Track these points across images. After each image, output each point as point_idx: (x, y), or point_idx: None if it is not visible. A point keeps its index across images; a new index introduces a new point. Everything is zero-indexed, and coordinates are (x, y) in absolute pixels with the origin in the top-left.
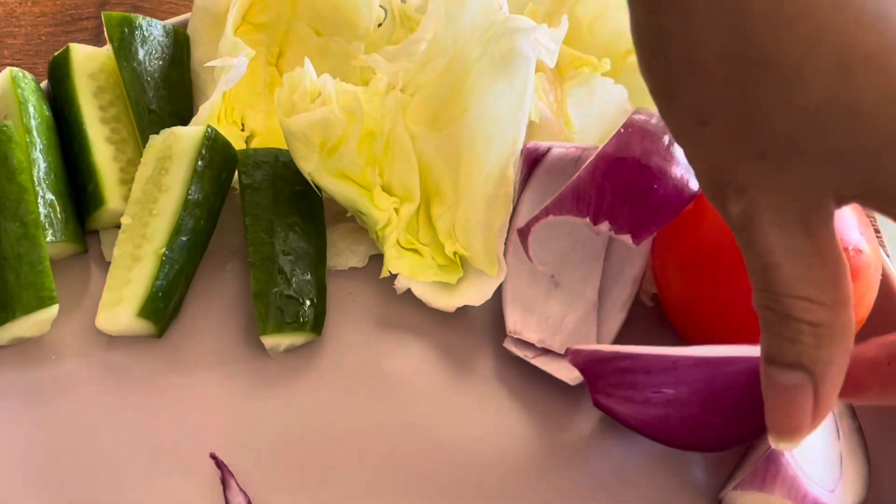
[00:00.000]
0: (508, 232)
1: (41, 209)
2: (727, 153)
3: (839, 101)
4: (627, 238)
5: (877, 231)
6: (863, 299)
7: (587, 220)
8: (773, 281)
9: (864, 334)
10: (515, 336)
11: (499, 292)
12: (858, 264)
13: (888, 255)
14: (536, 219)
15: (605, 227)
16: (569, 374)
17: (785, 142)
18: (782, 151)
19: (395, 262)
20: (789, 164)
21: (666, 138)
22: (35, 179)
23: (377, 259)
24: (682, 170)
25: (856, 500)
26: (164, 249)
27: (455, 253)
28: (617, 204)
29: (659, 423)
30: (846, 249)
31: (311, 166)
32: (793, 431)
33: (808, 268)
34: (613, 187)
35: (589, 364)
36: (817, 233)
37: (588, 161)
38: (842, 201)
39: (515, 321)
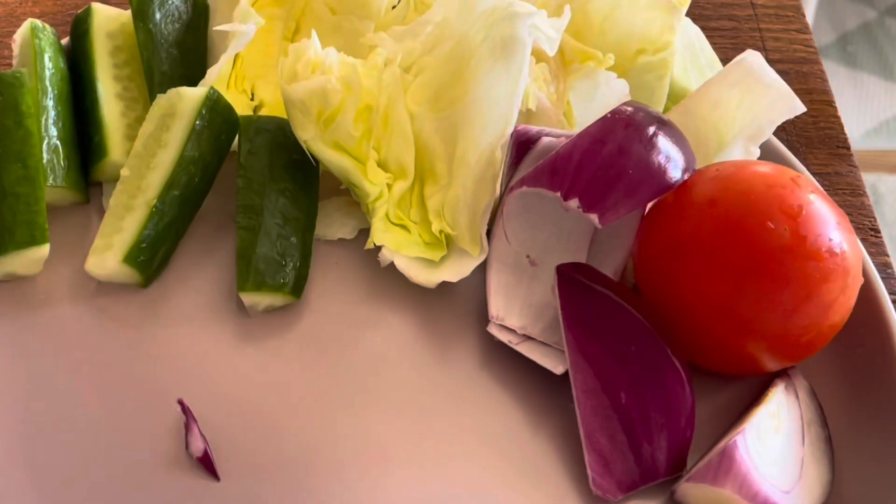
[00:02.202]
0: (494, 214)
1: (45, 154)
2: None
3: None
4: (595, 217)
5: (876, 231)
6: (835, 304)
7: (558, 194)
8: None
9: (844, 339)
10: (498, 322)
11: (483, 278)
12: (831, 266)
13: (888, 255)
14: (511, 189)
15: (574, 203)
16: (553, 362)
17: None
18: None
19: (382, 234)
20: None
21: (650, 129)
22: (42, 126)
23: (366, 233)
24: (662, 160)
25: (813, 503)
26: (155, 201)
27: (441, 231)
28: (590, 183)
29: None
30: (819, 250)
31: (307, 135)
32: None
33: None
34: (590, 167)
35: None
36: None
37: (570, 140)
38: None
39: (499, 307)
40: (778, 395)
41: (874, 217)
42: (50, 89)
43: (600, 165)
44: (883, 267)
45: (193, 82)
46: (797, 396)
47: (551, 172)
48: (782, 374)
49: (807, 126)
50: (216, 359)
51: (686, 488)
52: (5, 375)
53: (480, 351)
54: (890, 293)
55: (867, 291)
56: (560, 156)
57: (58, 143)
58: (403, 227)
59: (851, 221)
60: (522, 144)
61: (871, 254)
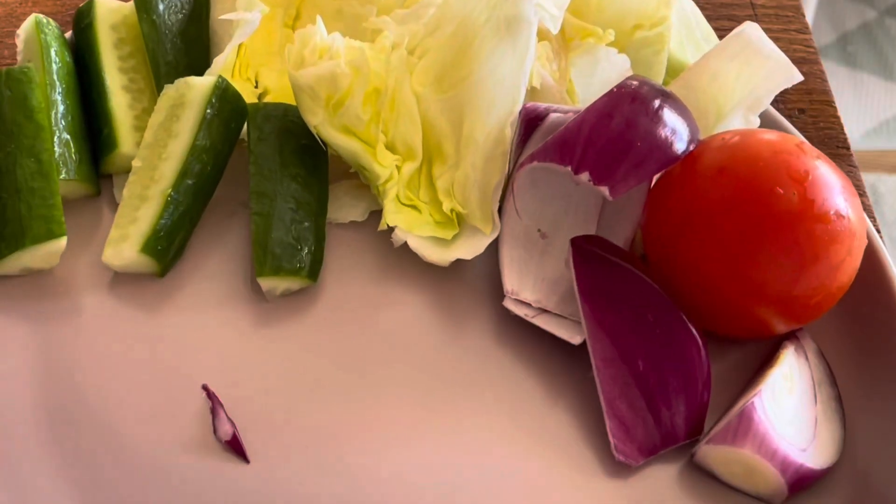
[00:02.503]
0: (504, 191)
1: (57, 148)
2: None
3: None
4: (605, 190)
5: (875, 231)
6: (842, 265)
7: (569, 168)
8: None
9: (849, 301)
10: (513, 297)
11: (496, 254)
12: (838, 229)
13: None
14: (521, 165)
15: (585, 177)
16: (569, 333)
17: None
18: None
19: (394, 215)
20: None
21: (656, 102)
22: (52, 120)
23: (377, 215)
24: (668, 132)
25: (828, 461)
26: (170, 190)
27: (452, 210)
28: (599, 157)
29: None
30: (827, 213)
31: (316, 119)
32: None
33: None
34: (598, 141)
35: None
36: None
37: (577, 115)
38: None
39: (513, 282)
40: (789, 356)
41: (874, 217)
42: (58, 83)
43: (609, 139)
44: None
45: (198, 72)
46: (807, 358)
47: (561, 147)
48: (791, 337)
49: (807, 126)
50: (236, 344)
51: (706, 450)
52: (28, 366)
53: (496, 326)
54: None
55: (869, 254)
56: (569, 130)
57: (68, 136)
58: (414, 207)
59: None
60: (531, 121)
61: None
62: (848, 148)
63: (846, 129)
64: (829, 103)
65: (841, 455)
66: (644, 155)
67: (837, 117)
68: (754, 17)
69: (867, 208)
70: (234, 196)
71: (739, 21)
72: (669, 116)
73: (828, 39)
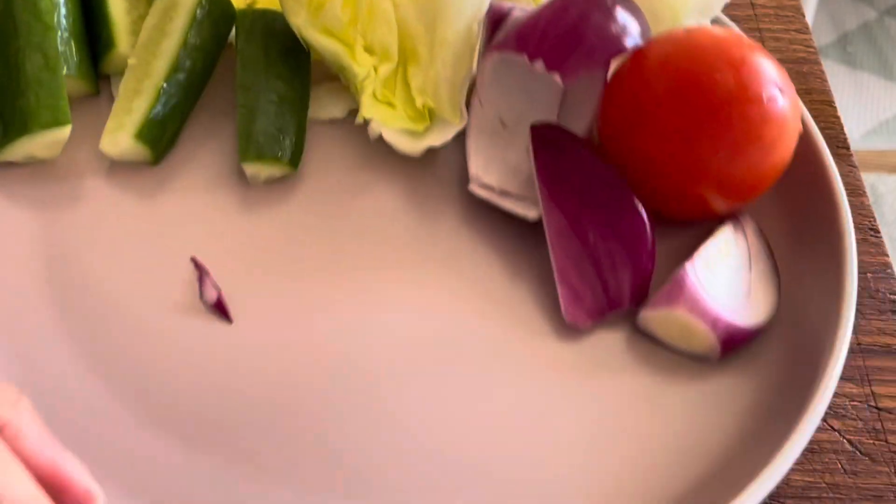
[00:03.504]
0: (472, 87)
1: (59, 47)
2: None
3: None
4: (557, 77)
5: (876, 231)
6: (775, 146)
7: (525, 56)
8: None
9: (787, 184)
10: (478, 181)
11: (463, 147)
12: (770, 111)
13: (887, 255)
14: (484, 57)
15: (539, 64)
16: (526, 211)
17: None
18: None
19: (370, 109)
20: None
21: (609, 1)
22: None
23: (355, 114)
24: (618, 27)
25: (757, 321)
26: (162, 83)
27: (424, 105)
28: (554, 46)
29: None
30: (759, 96)
31: (298, 20)
32: None
33: None
34: (553, 31)
35: None
36: None
37: (536, 9)
38: None
39: (478, 167)
40: (726, 232)
41: (874, 217)
42: None
43: (563, 30)
44: (882, 267)
45: None
46: (745, 233)
47: (519, 37)
48: (732, 217)
49: None
50: (223, 224)
51: (646, 314)
52: (33, 245)
53: (463, 210)
54: (889, 293)
55: (806, 141)
56: (527, 23)
57: (69, 35)
58: (389, 104)
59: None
60: (496, 21)
61: (870, 254)
62: (848, 148)
63: (846, 129)
64: (829, 103)
65: (776, 318)
66: (594, 46)
67: (837, 117)
68: (754, 17)
69: (867, 208)
70: (223, 96)
71: (739, 21)
72: (620, 13)
73: (828, 39)
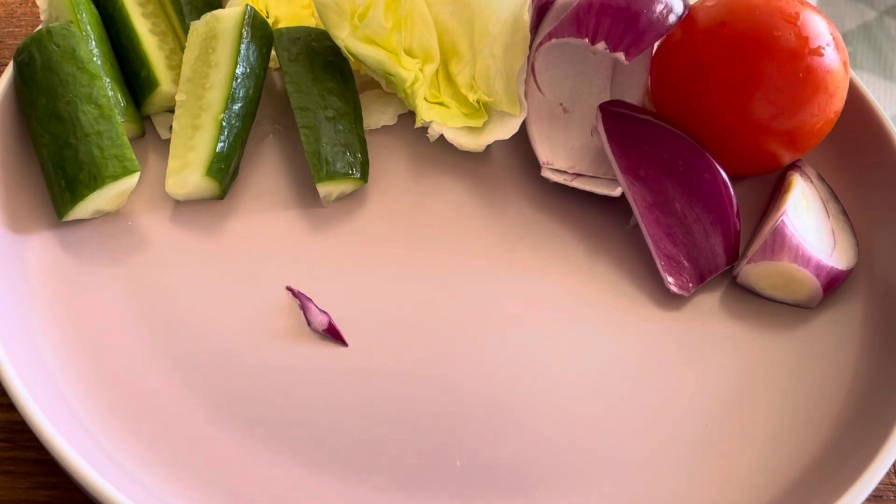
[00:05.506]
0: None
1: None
2: None
3: None
4: (621, 55)
5: None
6: (838, 90)
7: (586, 40)
8: None
9: (838, 129)
10: (549, 166)
11: (524, 136)
12: (832, 59)
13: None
14: (540, 44)
15: (601, 46)
16: (607, 189)
17: None
18: None
19: (427, 112)
20: None
21: None
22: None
23: (406, 118)
24: (663, 4)
25: (850, 263)
26: (221, 115)
27: (478, 100)
28: (612, 26)
29: None
30: (820, 46)
31: (343, 33)
32: None
33: None
34: (609, 13)
35: None
36: None
37: None
38: None
39: (546, 153)
40: (799, 181)
41: None
42: (92, 34)
43: (617, 10)
44: None
45: (216, 6)
46: (812, 181)
47: (576, 22)
48: (793, 167)
49: None
50: (303, 247)
51: (747, 270)
52: (127, 297)
53: (533, 197)
54: None
55: (853, 96)
56: (581, 7)
57: (110, 81)
58: (441, 104)
59: None
60: (542, 7)
61: None
62: None
63: None
64: None
65: (857, 259)
66: (649, 22)
67: None
68: None
69: None
70: (269, 117)
71: None
72: None
73: None
